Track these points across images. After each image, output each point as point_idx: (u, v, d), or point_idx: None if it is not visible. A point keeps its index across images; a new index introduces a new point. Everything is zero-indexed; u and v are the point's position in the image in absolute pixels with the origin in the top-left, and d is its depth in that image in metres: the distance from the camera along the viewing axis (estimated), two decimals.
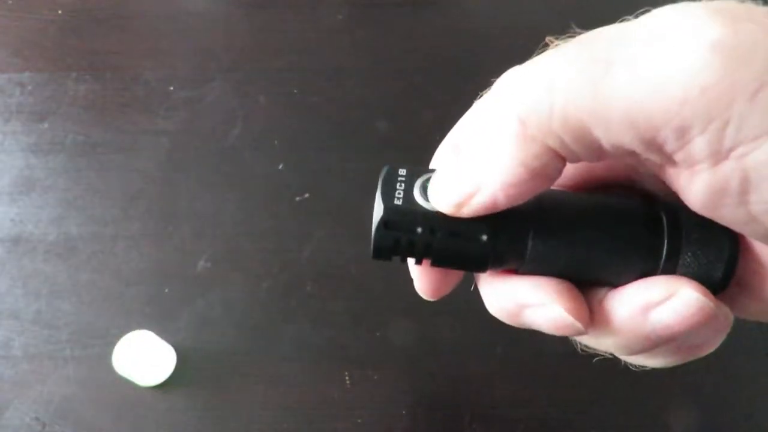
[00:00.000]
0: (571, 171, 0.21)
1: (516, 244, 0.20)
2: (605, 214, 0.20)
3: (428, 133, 0.53)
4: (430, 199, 0.20)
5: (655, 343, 0.19)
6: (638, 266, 0.20)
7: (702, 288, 0.19)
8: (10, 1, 0.66)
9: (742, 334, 0.50)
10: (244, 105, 0.60)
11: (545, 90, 0.17)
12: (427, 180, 0.20)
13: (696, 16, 0.15)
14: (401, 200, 0.20)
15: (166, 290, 0.51)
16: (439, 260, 0.21)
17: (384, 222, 0.20)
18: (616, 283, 0.20)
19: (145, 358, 0.47)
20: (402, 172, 0.21)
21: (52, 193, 0.56)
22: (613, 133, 0.16)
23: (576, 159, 0.18)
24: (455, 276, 0.22)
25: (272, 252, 0.53)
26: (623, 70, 0.16)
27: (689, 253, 0.19)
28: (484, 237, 0.20)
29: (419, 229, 0.20)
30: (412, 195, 0.20)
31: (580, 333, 0.20)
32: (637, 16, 0.17)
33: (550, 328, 0.20)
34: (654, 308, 0.19)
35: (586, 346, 0.21)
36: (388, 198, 0.20)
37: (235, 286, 0.51)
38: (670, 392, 0.47)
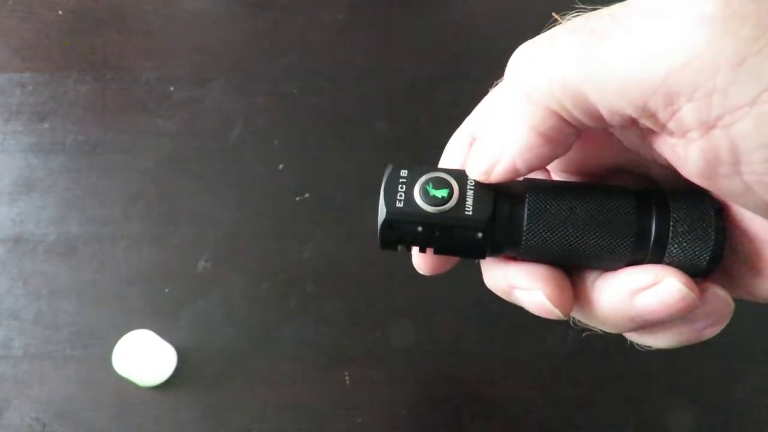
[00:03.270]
0: (579, 157, 0.23)
1: (511, 238, 0.21)
2: (596, 207, 0.21)
3: (428, 133, 0.53)
4: (467, 171, 0.22)
5: (640, 324, 0.20)
6: (626, 256, 0.21)
7: (686, 278, 0.19)
8: (11, 2, 0.66)
9: (741, 334, 0.50)
10: (244, 105, 0.60)
11: (546, 61, 0.18)
12: (428, 181, 0.22)
13: None
14: (402, 202, 0.22)
15: (166, 290, 0.51)
16: (441, 251, 0.22)
17: (387, 223, 0.22)
18: (606, 269, 0.22)
19: (145, 358, 0.47)
20: (404, 173, 0.22)
21: (52, 193, 0.56)
22: (607, 99, 0.17)
23: (581, 124, 0.19)
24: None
25: (272, 252, 0.53)
26: (618, 40, 0.17)
27: (675, 245, 0.20)
28: (480, 234, 0.21)
29: (419, 228, 0.22)
30: (413, 196, 0.22)
31: (559, 317, 0.21)
32: None
33: (534, 310, 0.21)
34: (639, 293, 0.20)
35: (578, 320, 0.23)
36: (390, 199, 0.22)
37: (235, 286, 0.51)
38: (670, 392, 0.47)
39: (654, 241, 0.20)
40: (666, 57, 0.16)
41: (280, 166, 0.56)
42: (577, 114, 0.18)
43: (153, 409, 0.47)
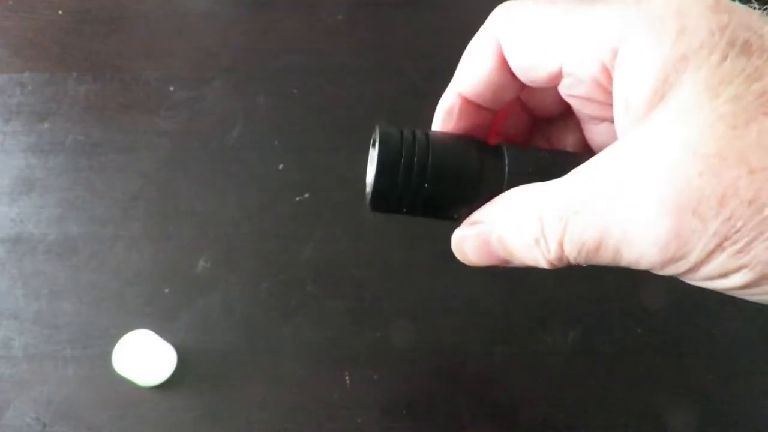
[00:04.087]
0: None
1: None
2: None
3: None
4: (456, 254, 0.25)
5: None
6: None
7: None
8: (11, 1, 0.66)
9: (741, 334, 0.50)
10: (244, 105, 0.60)
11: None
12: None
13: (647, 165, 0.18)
14: (394, 130, 0.25)
15: (166, 290, 0.51)
16: (437, 176, 0.24)
17: (384, 134, 0.25)
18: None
19: (145, 358, 0.47)
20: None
21: (52, 193, 0.56)
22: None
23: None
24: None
25: (272, 252, 0.53)
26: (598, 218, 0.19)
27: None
28: (475, 150, 0.25)
29: (415, 135, 0.25)
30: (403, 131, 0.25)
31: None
32: None
33: None
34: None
35: None
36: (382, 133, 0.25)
37: (235, 286, 0.51)
38: (670, 392, 0.47)
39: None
40: (640, 241, 0.18)
41: (280, 166, 0.56)
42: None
43: (153, 409, 0.47)
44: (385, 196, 0.23)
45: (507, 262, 0.23)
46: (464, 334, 0.49)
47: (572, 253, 0.20)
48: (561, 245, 0.20)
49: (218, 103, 0.60)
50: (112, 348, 0.47)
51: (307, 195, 0.55)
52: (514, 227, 0.21)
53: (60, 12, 0.65)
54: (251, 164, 0.57)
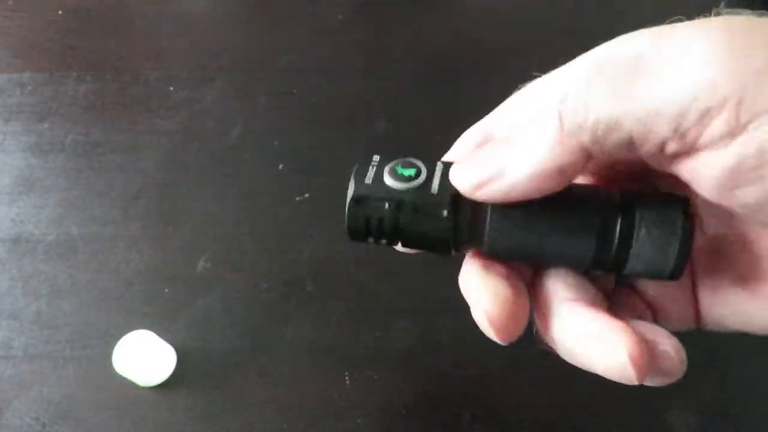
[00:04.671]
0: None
1: (475, 223, 0.21)
2: (564, 203, 0.21)
3: (428, 133, 0.53)
4: (451, 179, 0.21)
5: (581, 365, 0.21)
6: (588, 256, 0.21)
7: (636, 344, 0.19)
8: (11, 2, 0.66)
9: (741, 334, 0.50)
10: (244, 105, 0.60)
11: (581, 89, 0.19)
12: (397, 164, 0.22)
13: (707, 30, 0.18)
14: (371, 180, 0.22)
15: (166, 290, 0.51)
16: (409, 239, 0.22)
17: (355, 199, 0.22)
18: (572, 268, 0.22)
19: (145, 358, 0.47)
20: (375, 158, 0.23)
21: (52, 193, 0.56)
22: (642, 122, 0.18)
23: (602, 153, 0.19)
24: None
25: (272, 252, 0.53)
26: (651, 78, 0.18)
27: (638, 248, 0.20)
28: (445, 212, 0.21)
29: (386, 205, 0.22)
30: (382, 176, 0.22)
31: (497, 340, 0.21)
32: (637, 23, 0.19)
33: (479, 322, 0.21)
34: (583, 339, 0.20)
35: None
36: (359, 179, 0.22)
37: (235, 286, 0.51)
38: (671, 393, 0.47)
39: (617, 243, 0.20)
40: (695, 80, 0.17)
41: (280, 166, 0.56)
42: (607, 143, 0.19)
43: (153, 409, 0.47)
44: (359, 237, 0.23)
45: (499, 175, 0.20)
46: (464, 334, 0.49)
47: (583, 120, 0.19)
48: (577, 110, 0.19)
49: (218, 103, 0.60)
50: (112, 348, 0.47)
51: (307, 195, 0.55)
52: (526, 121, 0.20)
53: (60, 12, 0.65)
54: (251, 164, 0.57)
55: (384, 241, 0.23)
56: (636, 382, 0.19)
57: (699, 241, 0.22)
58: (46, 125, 0.59)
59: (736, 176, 0.18)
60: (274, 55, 0.62)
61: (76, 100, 0.60)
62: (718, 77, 0.17)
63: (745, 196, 0.18)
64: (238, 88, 0.61)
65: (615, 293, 0.24)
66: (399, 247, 0.23)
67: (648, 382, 0.20)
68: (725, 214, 0.21)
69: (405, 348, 0.49)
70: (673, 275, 0.20)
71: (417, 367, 0.48)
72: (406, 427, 0.46)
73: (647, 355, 0.19)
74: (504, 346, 0.21)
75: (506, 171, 0.20)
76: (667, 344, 0.20)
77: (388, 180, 0.22)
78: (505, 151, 0.20)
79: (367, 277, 0.51)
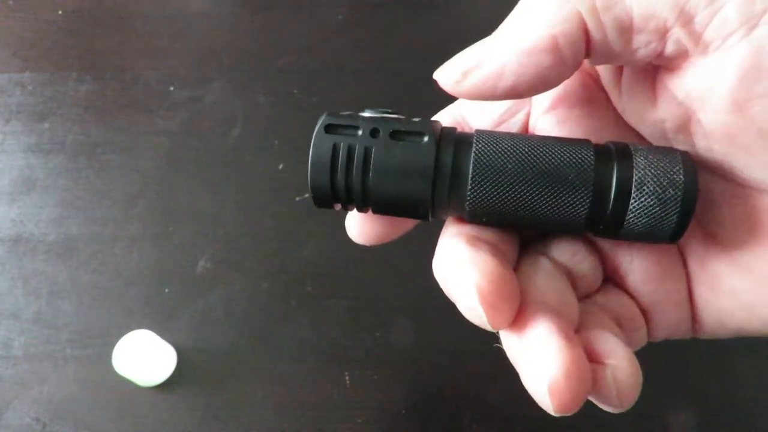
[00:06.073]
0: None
1: (457, 167, 0.19)
2: (556, 150, 0.19)
3: None
4: (435, 77, 0.20)
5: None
6: (583, 209, 0.18)
7: (558, 378, 0.17)
8: (11, 2, 0.66)
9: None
10: (244, 105, 0.60)
11: None
12: (373, 109, 0.20)
13: None
14: (347, 114, 0.20)
15: (166, 290, 0.51)
16: (382, 181, 0.19)
17: (325, 125, 0.19)
18: (565, 232, 0.20)
19: (145, 358, 0.47)
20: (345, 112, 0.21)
21: (52, 193, 0.56)
22: (645, 1, 0.16)
23: (601, 38, 0.17)
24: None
25: (272, 252, 0.53)
26: None
27: (638, 201, 0.18)
28: (426, 137, 0.19)
29: (359, 132, 0.19)
30: (359, 112, 0.20)
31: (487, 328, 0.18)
32: None
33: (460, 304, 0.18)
34: (522, 359, 0.18)
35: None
36: (332, 114, 0.20)
37: (235, 286, 0.51)
38: (671, 392, 0.47)
39: (614, 197, 0.18)
40: None
41: (280, 166, 0.56)
42: (605, 18, 0.17)
43: (153, 409, 0.47)
44: (325, 196, 0.20)
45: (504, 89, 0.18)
46: (464, 334, 0.49)
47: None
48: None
49: (218, 103, 0.60)
50: (112, 348, 0.47)
51: (307, 195, 0.55)
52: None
53: (60, 12, 0.65)
54: (251, 164, 0.57)
55: (354, 193, 0.19)
56: (554, 413, 0.17)
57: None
58: (46, 125, 0.59)
59: (753, 80, 0.15)
60: (274, 55, 0.62)
61: (76, 100, 0.60)
62: None
63: (763, 116, 0.16)
64: (238, 88, 0.61)
65: (602, 293, 0.21)
66: (369, 216, 0.20)
67: (602, 406, 0.18)
68: (721, 182, 0.18)
69: (405, 348, 0.49)
70: (676, 235, 0.18)
71: (417, 367, 0.48)
72: (406, 426, 0.46)
73: (574, 384, 0.16)
74: (502, 346, 0.21)
75: (496, 52, 0.18)
76: (621, 367, 0.17)
77: (366, 114, 0.20)
78: (494, 40, 0.18)
79: (367, 277, 0.51)
